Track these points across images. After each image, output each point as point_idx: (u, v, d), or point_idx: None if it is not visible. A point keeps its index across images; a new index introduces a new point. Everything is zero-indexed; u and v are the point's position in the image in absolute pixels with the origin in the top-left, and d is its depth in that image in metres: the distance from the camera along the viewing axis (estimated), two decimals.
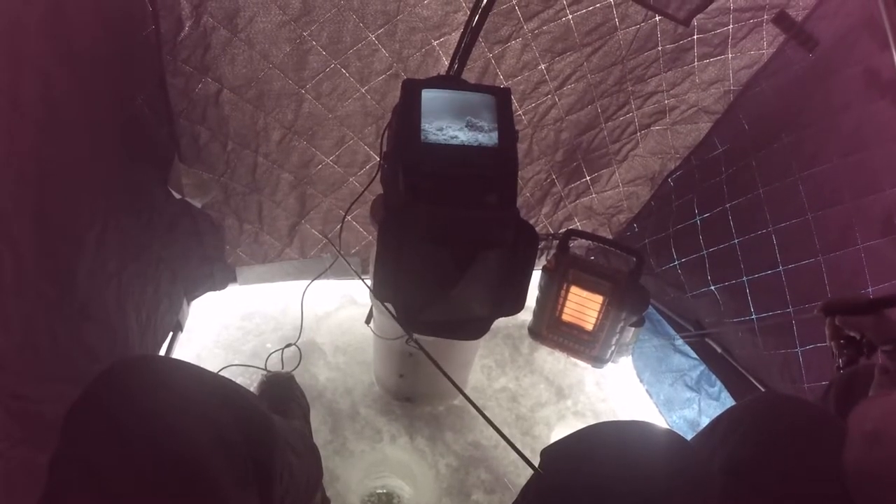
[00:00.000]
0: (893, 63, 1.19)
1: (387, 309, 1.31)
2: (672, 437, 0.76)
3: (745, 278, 1.68)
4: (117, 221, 1.21)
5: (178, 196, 1.50)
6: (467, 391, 1.80)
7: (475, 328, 1.32)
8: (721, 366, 1.75)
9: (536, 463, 0.80)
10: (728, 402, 1.67)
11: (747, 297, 1.66)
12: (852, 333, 0.99)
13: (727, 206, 1.75)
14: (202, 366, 0.77)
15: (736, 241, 1.72)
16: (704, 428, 0.97)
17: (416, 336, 1.33)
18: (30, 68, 0.86)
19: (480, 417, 1.71)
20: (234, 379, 1.66)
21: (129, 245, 1.30)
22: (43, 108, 0.90)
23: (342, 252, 1.81)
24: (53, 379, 0.92)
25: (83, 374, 0.95)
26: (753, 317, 1.65)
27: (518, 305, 1.30)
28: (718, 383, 1.73)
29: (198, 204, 1.56)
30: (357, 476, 1.52)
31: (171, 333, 1.66)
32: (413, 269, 1.23)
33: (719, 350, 1.76)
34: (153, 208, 1.44)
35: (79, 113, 1.03)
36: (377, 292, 1.30)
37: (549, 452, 0.83)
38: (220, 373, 1.70)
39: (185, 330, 1.74)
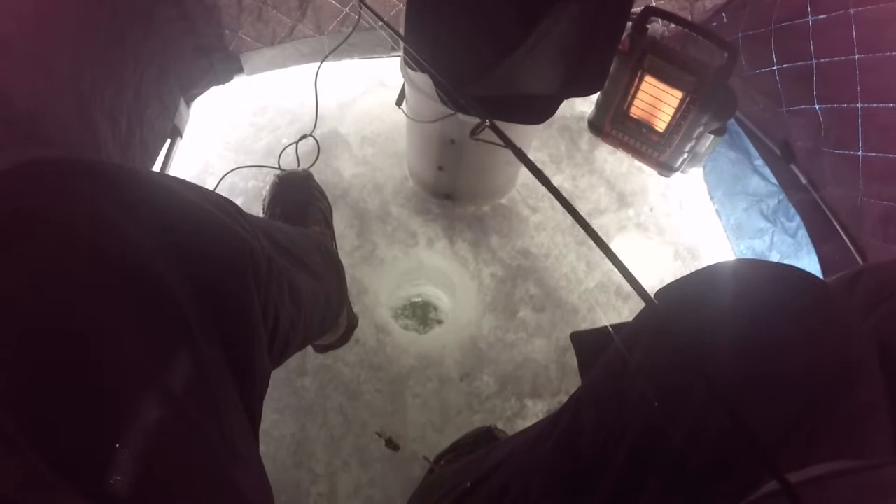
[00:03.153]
0: None
1: (422, 83, 1.03)
2: (817, 281, 0.53)
3: (859, 104, 1.34)
4: (56, 15, 0.91)
5: None
6: (516, 188, 1.57)
7: (540, 109, 1.06)
8: (805, 200, 1.48)
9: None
10: (805, 242, 1.44)
11: (857, 128, 1.34)
12: None
13: (851, 10, 1.36)
14: (207, 174, 0.52)
15: (857, 57, 1.36)
16: (834, 280, 0.73)
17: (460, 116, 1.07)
18: None
19: (531, 221, 1.52)
20: (245, 183, 1.47)
21: (85, 43, 1.00)
22: None
23: (366, 25, 1.49)
24: None
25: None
26: (860, 153, 1.34)
27: (599, 82, 1.04)
28: (797, 218, 1.49)
29: None
30: (388, 286, 1.36)
31: (167, 141, 1.41)
32: (459, 26, 0.94)
33: (805, 181, 1.49)
34: None
35: None
36: (411, 58, 1.02)
37: (664, 294, 0.60)
38: (226, 175, 1.50)
39: (185, 136, 1.50)
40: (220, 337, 0.51)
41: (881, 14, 1.29)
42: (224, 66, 1.57)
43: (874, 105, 1.32)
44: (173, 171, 1.44)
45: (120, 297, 0.42)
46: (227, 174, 1.51)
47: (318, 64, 1.46)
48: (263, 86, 1.70)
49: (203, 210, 0.54)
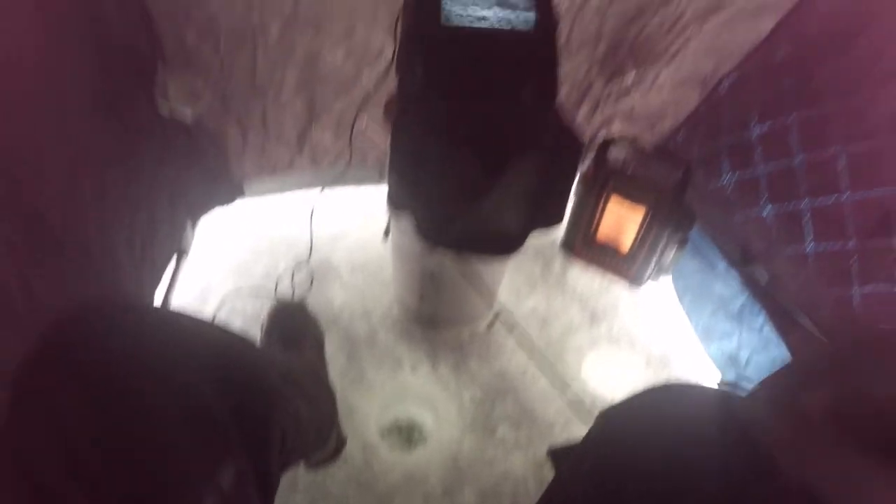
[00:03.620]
0: None
1: (404, 222, 1.16)
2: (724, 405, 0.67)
3: (804, 203, 1.48)
4: (96, 144, 1.06)
5: (166, 109, 1.33)
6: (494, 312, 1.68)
7: (507, 244, 1.17)
8: (768, 298, 1.58)
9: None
10: (772, 336, 1.52)
11: (804, 226, 1.47)
12: None
13: (791, 117, 1.52)
14: (209, 293, 0.64)
15: (798, 159, 1.51)
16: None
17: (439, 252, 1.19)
18: None
19: (507, 343, 1.62)
20: (243, 305, 1.57)
21: (111, 170, 1.14)
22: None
23: (357, 160, 1.64)
24: (31, 330, 0.79)
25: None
26: (809, 249, 1.47)
27: (557, 219, 1.15)
28: (762, 315, 1.58)
29: (189, 114, 1.40)
30: (376, 408, 1.43)
31: (175, 260, 1.53)
32: (434, 176, 1.07)
33: (766, 280, 1.60)
34: (138, 127, 1.27)
35: (31, 20, 0.87)
36: (393, 201, 1.15)
37: (608, 415, 0.73)
38: (226, 296, 1.60)
39: (190, 255, 1.62)
40: (248, 451, 0.62)
41: (816, 118, 1.44)
42: (228, 190, 1.72)
43: (818, 201, 1.45)
44: (177, 290, 1.54)
45: (181, 417, 0.54)
46: (226, 295, 1.60)
47: (314, 199, 1.60)
48: (263, 210, 1.84)
49: (235, 347, 0.68)
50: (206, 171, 1.61)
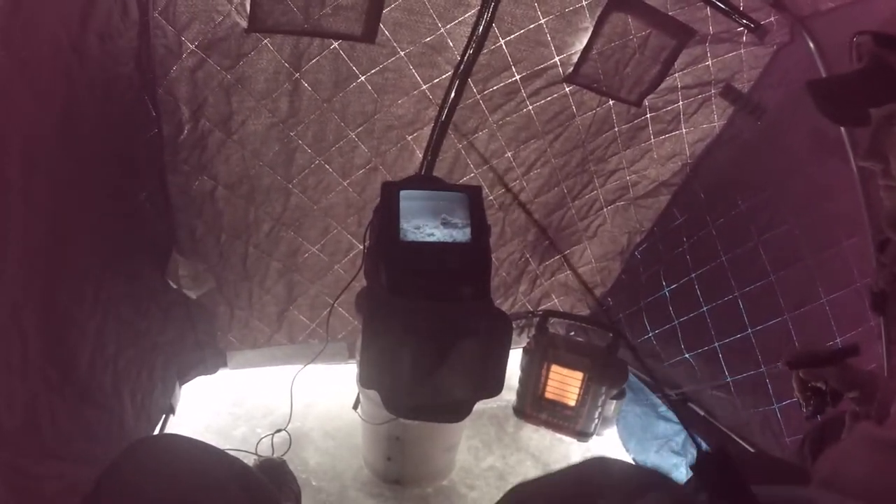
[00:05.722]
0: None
1: (372, 395, 1.37)
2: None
3: (716, 344, 1.74)
4: (117, 310, 1.27)
5: (174, 286, 1.57)
6: (455, 471, 1.83)
7: (458, 411, 1.38)
8: (705, 428, 1.79)
9: None
10: None
11: (720, 362, 1.72)
12: (818, 384, 1.01)
13: (693, 275, 1.82)
14: None
15: (704, 308, 1.79)
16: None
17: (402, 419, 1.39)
18: (43, 167, 0.93)
19: (469, 497, 1.79)
20: None
21: (127, 332, 1.36)
22: (53, 204, 0.96)
23: (329, 337, 1.87)
24: (53, 457, 0.95)
25: (82, 454, 1.01)
26: (728, 379, 1.70)
27: (497, 388, 1.36)
28: (704, 445, 1.76)
29: (193, 295, 1.63)
30: None
31: (163, 417, 1.68)
32: (396, 358, 1.29)
33: (701, 413, 1.81)
34: (151, 297, 1.51)
35: (85, 209, 1.11)
36: (363, 380, 1.36)
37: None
38: None
39: (176, 414, 1.77)
40: None
41: (713, 272, 1.73)
42: (213, 359, 1.91)
43: (727, 340, 1.70)
44: None
45: None
46: None
47: (296, 371, 1.78)
48: (243, 380, 2.01)
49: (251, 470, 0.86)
50: (197, 340, 1.82)
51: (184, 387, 1.86)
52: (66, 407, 1.04)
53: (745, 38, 1.56)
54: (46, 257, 0.96)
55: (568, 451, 1.97)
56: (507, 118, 1.70)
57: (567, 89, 1.67)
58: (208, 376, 1.93)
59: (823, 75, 1.34)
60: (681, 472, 1.81)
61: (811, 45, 1.41)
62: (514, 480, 1.83)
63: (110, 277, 1.24)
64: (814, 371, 1.00)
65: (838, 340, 1.39)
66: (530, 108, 1.69)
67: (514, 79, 1.60)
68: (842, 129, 1.33)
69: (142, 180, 1.39)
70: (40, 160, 0.92)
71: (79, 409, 1.10)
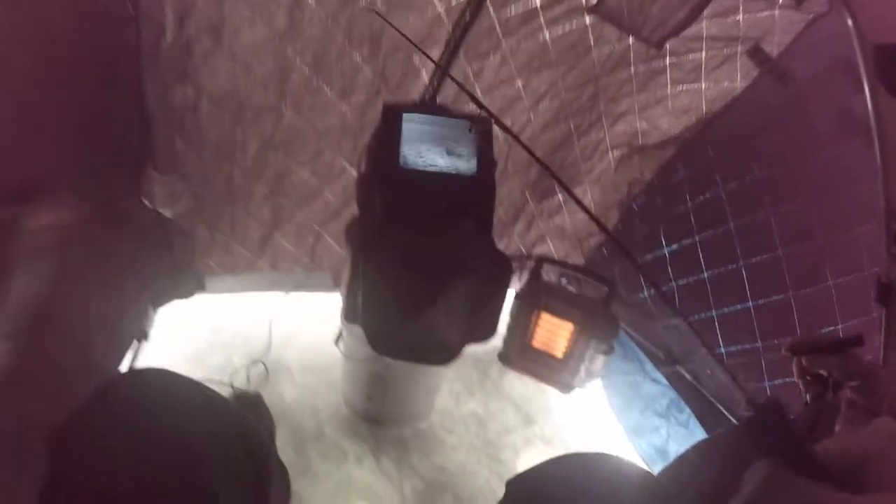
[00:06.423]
0: (867, 105, 1.21)
1: (355, 331, 1.30)
2: (639, 472, 0.77)
3: (714, 312, 1.70)
4: (85, 229, 1.18)
5: (150, 205, 1.47)
6: (435, 414, 1.79)
7: (445, 354, 1.32)
8: (692, 394, 1.76)
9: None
10: (696, 429, 1.69)
11: (717, 332, 1.68)
12: (820, 371, 1.00)
13: (696, 237, 1.77)
14: None
15: (706, 274, 1.74)
16: (672, 462, 0.98)
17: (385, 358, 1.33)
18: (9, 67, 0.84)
19: (447, 441, 1.75)
20: None
21: (96, 254, 1.26)
22: (17, 106, 0.88)
23: (314, 267, 1.79)
24: (13, 389, 0.90)
25: (46, 386, 0.95)
26: (722, 350, 1.67)
27: (490, 332, 1.31)
28: (688, 410, 1.75)
29: (169, 213, 1.54)
30: (321, 498, 1.50)
31: (135, 342, 1.60)
32: (385, 293, 1.22)
33: (690, 378, 1.78)
34: (123, 217, 1.41)
35: (54, 115, 1.01)
36: (348, 314, 1.29)
37: (515, 483, 0.84)
38: None
39: (150, 339, 1.69)
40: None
41: (719, 237, 1.67)
42: (190, 283, 1.81)
43: (725, 310, 1.65)
44: None
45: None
46: None
47: (277, 299, 1.72)
48: (221, 307, 1.93)
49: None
50: (174, 263, 1.72)
51: (159, 311, 1.77)
52: (27, 337, 0.97)
53: None
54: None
55: (551, 402, 1.95)
56: (522, 44, 1.59)
57: (587, 20, 1.56)
58: (185, 300, 1.84)
59: (858, 53, 1.26)
60: (662, 436, 1.80)
61: (849, 21, 1.31)
62: (493, 427, 1.81)
63: (77, 194, 1.14)
64: (817, 359, 0.98)
65: (839, 326, 1.35)
66: (546, 36, 1.58)
67: (535, 5, 1.49)
68: (870, 114, 1.26)
69: (117, 88, 1.26)
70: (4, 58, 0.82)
71: (41, 339, 1.03)
